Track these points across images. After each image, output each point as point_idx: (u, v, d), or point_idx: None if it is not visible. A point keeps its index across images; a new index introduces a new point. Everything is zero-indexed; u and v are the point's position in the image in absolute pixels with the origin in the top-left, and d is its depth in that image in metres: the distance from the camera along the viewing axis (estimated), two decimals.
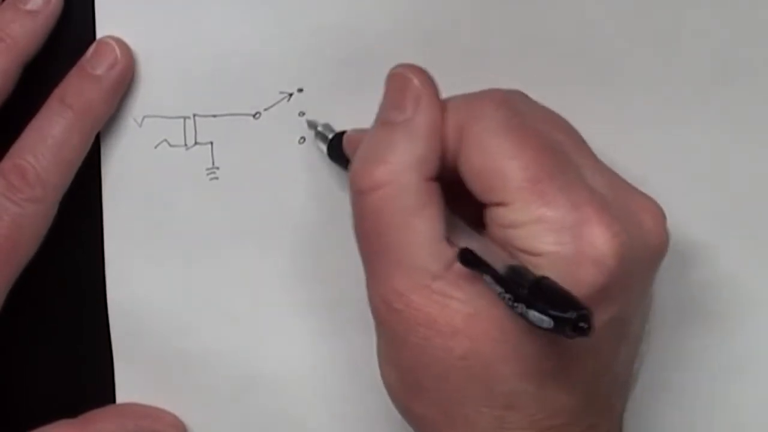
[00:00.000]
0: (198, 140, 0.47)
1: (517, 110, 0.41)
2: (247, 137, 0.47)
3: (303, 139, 0.47)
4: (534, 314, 0.36)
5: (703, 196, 0.48)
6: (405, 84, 0.42)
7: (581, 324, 0.35)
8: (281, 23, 0.46)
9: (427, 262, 0.40)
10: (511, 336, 0.39)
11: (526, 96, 0.43)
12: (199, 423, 0.50)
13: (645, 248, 0.41)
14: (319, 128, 0.46)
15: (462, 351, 0.40)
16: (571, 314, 0.35)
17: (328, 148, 0.46)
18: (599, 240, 0.39)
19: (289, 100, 0.47)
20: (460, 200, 0.41)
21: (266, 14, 0.46)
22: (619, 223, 0.39)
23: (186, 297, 0.49)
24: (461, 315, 0.40)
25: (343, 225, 0.47)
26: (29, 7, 0.45)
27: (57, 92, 0.46)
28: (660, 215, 0.42)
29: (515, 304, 0.37)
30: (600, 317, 0.38)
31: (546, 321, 0.36)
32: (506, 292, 0.37)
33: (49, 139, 0.45)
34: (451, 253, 0.40)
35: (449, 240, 0.41)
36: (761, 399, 0.50)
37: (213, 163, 0.47)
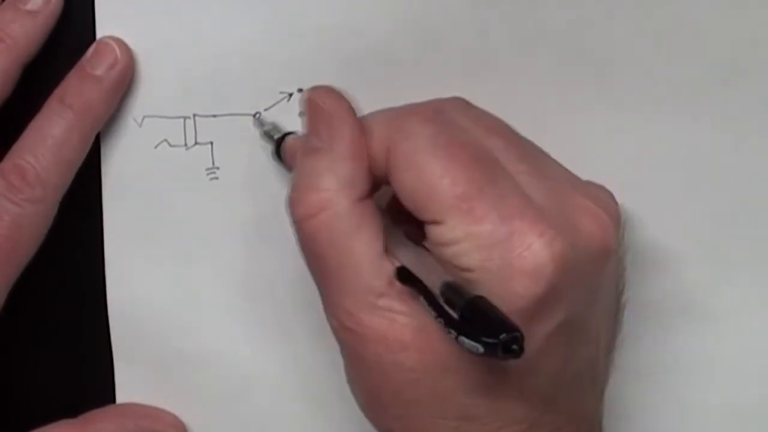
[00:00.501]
0: (198, 140, 0.47)
1: (445, 124, 0.41)
2: (247, 137, 0.47)
3: None
4: (465, 341, 0.37)
5: (703, 195, 0.48)
6: (316, 110, 0.42)
7: (512, 346, 0.36)
8: (281, 23, 0.46)
9: (370, 281, 0.40)
10: (455, 351, 0.39)
11: (463, 103, 0.43)
12: (199, 423, 0.50)
13: (585, 251, 0.40)
14: (266, 128, 0.47)
15: (411, 364, 0.40)
16: (501, 338, 0.36)
17: (275, 149, 0.46)
18: (532, 251, 0.39)
19: (289, 100, 0.47)
20: (404, 211, 0.41)
21: (266, 14, 0.46)
22: (554, 230, 0.39)
23: (186, 297, 0.49)
24: (409, 329, 0.40)
25: None
26: (29, 7, 0.45)
27: (57, 92, 0.46)
28: (602, 217, 0.41)
29: (449, 330, 0.37)
30: (543, 326, 0.39)
31: (477, 347, 0.36)
32: (439, 316, 0.38)
33: (49, 140, 0.45)
34: (392, 269, 0.41)
35: (392, 254, 0.41)
36: (754, 397, 0.50)
37: (213, 163, 0.47)
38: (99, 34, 0.46)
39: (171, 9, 0.46)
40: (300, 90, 0.47)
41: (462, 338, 0.37)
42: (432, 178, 0.40)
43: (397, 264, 0.41)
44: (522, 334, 0.36)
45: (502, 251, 0.39)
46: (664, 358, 0.49)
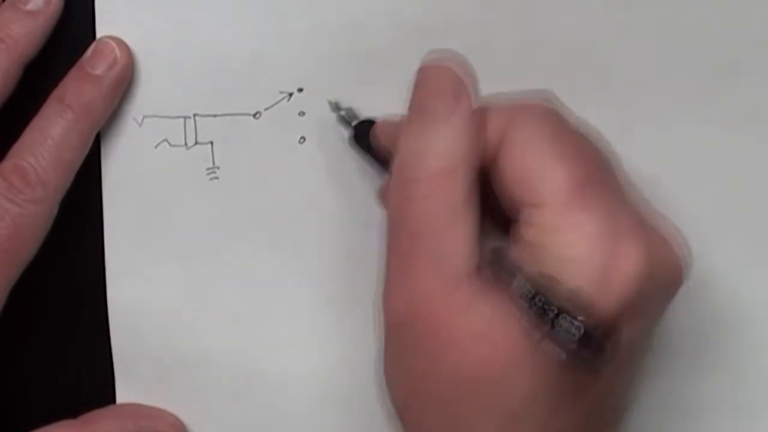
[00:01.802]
0: (198, 140, 0.47)
1: (561, 120, 0.41)
2: (247, 137, 0.47)
3: (303, 138, 0.47)
4: (549, 345, 0.36)
5: (703, 195, 0.48)
6: (444, 75, 0.41)
7: (596, 362, 0.35)
8: (281, 23, 0.46)
9: (463, 263, 0.39)
10: (523, 353, 0.38)
11: (564, 115, 0.43)
12: (199, 423, 0.50)
13: (667, 273, 0.40)
14: (342, 113, 0.46)
15: (475, 361, 0.39)
16: (587, 352, 0.35)
17: (355, 135, 0.45)
18: (632, 253, 0.38)
19: (289, 100, 0.47)
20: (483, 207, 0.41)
21: (266, 14, 0.46)
22: (652, 241, 0.39)
23: (186, 297, 0.49)
24: (481, 323, 0.39)
25: (343, 225, 0.47)
26: (29, 7, 0.45)
27: (57, 92, 0.46)
28: (683, 246, 0.41)
29: (535, 332, 0.37)
30: (621, 336, 0.38)
31: (560, 353, 0.36)
32: (527, 314, 0.37)
33: (49, 140, 0.45)
34: (480, 258, 0.39)
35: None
36: (755, 397, 0.50)
37: (213, 163, 0.47)
38: (99, 34, 0.46)
39: (171, 9, 0.46)
40: (300, 90, 0.47)
41: (547, 341, 0.36)
42: (546, 163, 0.39)
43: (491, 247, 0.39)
44: (609, 350, 0.35)
45: (607, 247, 0.38)
46: (663, 358, 0.49)
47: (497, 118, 0.41)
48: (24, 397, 0.50)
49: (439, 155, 0.40)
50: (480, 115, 0.41)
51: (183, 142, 0.47)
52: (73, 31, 0.46)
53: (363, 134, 0.45)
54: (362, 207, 0.47)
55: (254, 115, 0.47)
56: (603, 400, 0.41)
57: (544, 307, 0.37)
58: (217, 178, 0.47)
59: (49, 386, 0.50)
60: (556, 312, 0.36)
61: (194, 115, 0.47)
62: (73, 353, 0.49)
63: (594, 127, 0.42)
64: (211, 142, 0.47)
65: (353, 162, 0.47)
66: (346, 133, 0.46)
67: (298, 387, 0.50)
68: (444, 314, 0.39)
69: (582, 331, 0.35)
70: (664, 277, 0.40)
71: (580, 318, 0.35)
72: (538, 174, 0.39)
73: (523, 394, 0.39)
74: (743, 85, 0.47)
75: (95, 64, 0.46)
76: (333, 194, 0.47)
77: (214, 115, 0.47)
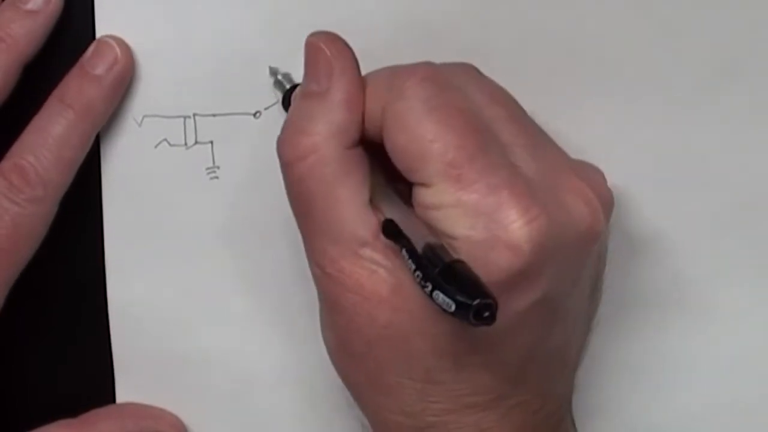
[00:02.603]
0: (198, 140, 0.47)
1: (443, 87, 0.41)
2: (247, 136, 0.47)
3: None
4: (439, 296, 0.37)
5: (703, 194, 0.48)
6: (318, 55, 0.42)
7: (484, 313, 0.36)
8: (281, 23, 0.46)
9: (354, 229, 0.41)
10: (427, 313, 0.40)
11: (472, 69, 0.43)
12: (199, 423, 0.50)
13: (571, 231, 0.41)
14: (279, 77, 0.46)
15: (384, 320, 0.41)
16: (475, 303, 0.36)
17: (283, 99, 0.46)
18: (514, 225, 0.39)
19: None
20: (397, 169, 0.42)
21: (266, 14, 0.46)
22: (539, 206, 0.39)
23: (186, 297, 0.49)
24: (387, 284, 0.40)
25: None
26: (29, 7, 0.45)
27: (57, 92, 0.46)
28: (592, 199, 0.41)
29: (425, 284, 0.37)
30: (518, 302, 0.40)
31: (450, 304, 0.36)
32: (418, 269, 0.38)
33: (49, 139, 0.45)
34: (378, 221, 0.41)
35: (378, 208, 0.41)
36: (754, 398, 0.50)
37: (213, 163, 0.47)
38: (99, 34, 0.46)
39: (171, 9, 0.46)
40: None
41: (437, 293, 0.37)
42: (423, 141, 0.40)
43: (383, 218, 0.41)
44: (496, 303, 0.36)
45: (487, 221, 0.39)
46: (662, 357, 0.49)
47: (376, 89, 0.42)
48: (24, 397, 0.50)
49: (310, 132, 0.41)
50: (359, 86, 0.42)
51: (183, 142, 0.47)
52: (73, 31, 0.46)
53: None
54: None
55: (254, 115, 0.47)
56: (526, 358, 0.42)
57: (426, 278, 0.38)
58: (217, 177, 0.47)
59: (49, 386, 0.50)
60: (431, 288, 0.37)
61: (194, 114, 0.47)
62: (73, 353, 0.49)
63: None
64: (211, 142, 0.47)
65: None
66: (279, 97, 0.46)
67: (298, 387, 0.50)
68: (353, 275, 0.41)
69: (458, 304, 0.36)
70: (565, 238, 0.40)
71: (458, 298, 0.36)
72: (417, 153, 0.40)
73: (429, 357, 0.40)
74: (743, 85, 0.47)
75: (95, 64, 0.46)
76: None
77: (214, 115, 0.47)
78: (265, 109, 0.47)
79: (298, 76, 0.46)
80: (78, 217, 0.47)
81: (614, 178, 0.45)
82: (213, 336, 0.49)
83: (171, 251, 0.48)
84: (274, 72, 0.46)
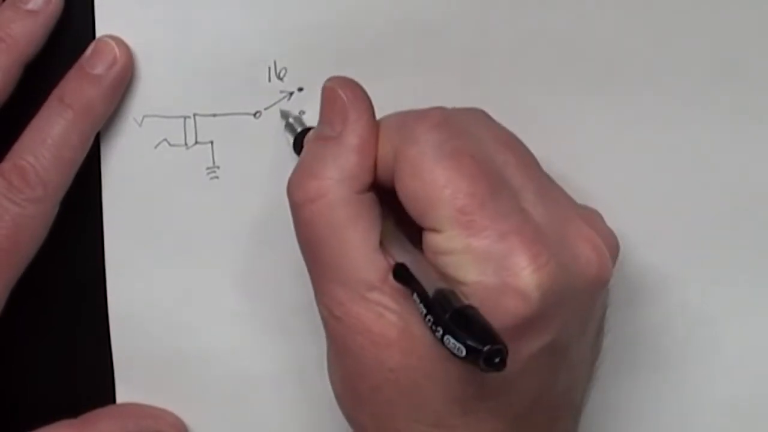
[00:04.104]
0: (198, 139, 0.47)
1: (454, 132, 0.41)
2: (247, 137, 0.47)
3: None
4: (450, 340, 0.37)
5: (703, 195, 0.48)
6: (334, 99, 0.43)
7: (495, 359, 0.36)
8: (281, 23, 0.46)
9: (363, 273, 0.41)
10: (437, 357, 0.40)
11: (481, 114, 0.43)
12: (199, 423, 0.50)
13: (580, 278, 0.41)
14: (291, 120, 0.46)
15: (393, 364, 0.40)
16: (486, 348, 0.36)
17: (294, 142, 0.46)
18: (524, 271, 0.39)
19: (289, 99, 0.47)
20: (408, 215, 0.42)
21: (266, 14, 0.46)
22: (549, 253, 0.39)
23: (186, 297, 0.49)
24: (396, 328, 0.40)
25: None
26: (29, 7, 0.45)
27: (56, 92, 0.45)
28: (600, 246, 0.42)
29: (436, 328, 0.38)
30: (527, 347, 0.40)
31: (461, 348, 0.36)
32: (429, 314, 0.38)
33: (49, 139, 0.45)
34: (387, 265, 0.41)
35: (388, 252, 0.41)
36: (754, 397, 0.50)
37: (213, 163, 0.47)
38: (99, 34, 0.46)
39: (171, 9, 0.46)
40: (300, 89, 0.47)
41: (447, 337, 0.37)
42: (434, 186, 0.40)
43: (393, 262, 0.41)
44: (507, 349, 0.36)
45: (497, 267, 0.39)
46: (662, 357, 0.49)
47: (388, 134, 0.42)
48: (24, 397, 0.50)
49: (321, 176, 0.42)
50: (373, 132, 0.42)
51: (183, 142, 0.47)
52: (73, 30, 0.46)
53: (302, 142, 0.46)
54: None
55: (254, 115, 0.47)
56: (531, 404, 0.42)
57: (437, 323, 0.38)
58: (217, 177, 0.47)
59: (49, 386, 0.50)
60: (442, 332, 0.37)
61: (194, 114, 0.47)
62: (73, 353, 0.49)
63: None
64: (211, 142, 0.47)
65: None
66: (291, 140, 0.46)
67: (297, 387, 0.50)
68: (361, 318, 0.41)
69: (468, 349, 0.37)
70: (574, 284, 0.40)
71: (468, 342, 0.36)
72: (428, 199, 0.40)
73: (437, 401, 0.40)
74: (743, 85, 0.47)
75: (95, 64, 0.46)
76: None
77: (214, 115, 0.47)
78: (265, 109, 0.47)
79: (298, 76, 0.46)
80: (78, 217, 0.47)
81: (614, 178, 0.45)
82: (213, 336, 0.49)
83: (171, 251, 0.48)
84: (285, 115, 0.46)
